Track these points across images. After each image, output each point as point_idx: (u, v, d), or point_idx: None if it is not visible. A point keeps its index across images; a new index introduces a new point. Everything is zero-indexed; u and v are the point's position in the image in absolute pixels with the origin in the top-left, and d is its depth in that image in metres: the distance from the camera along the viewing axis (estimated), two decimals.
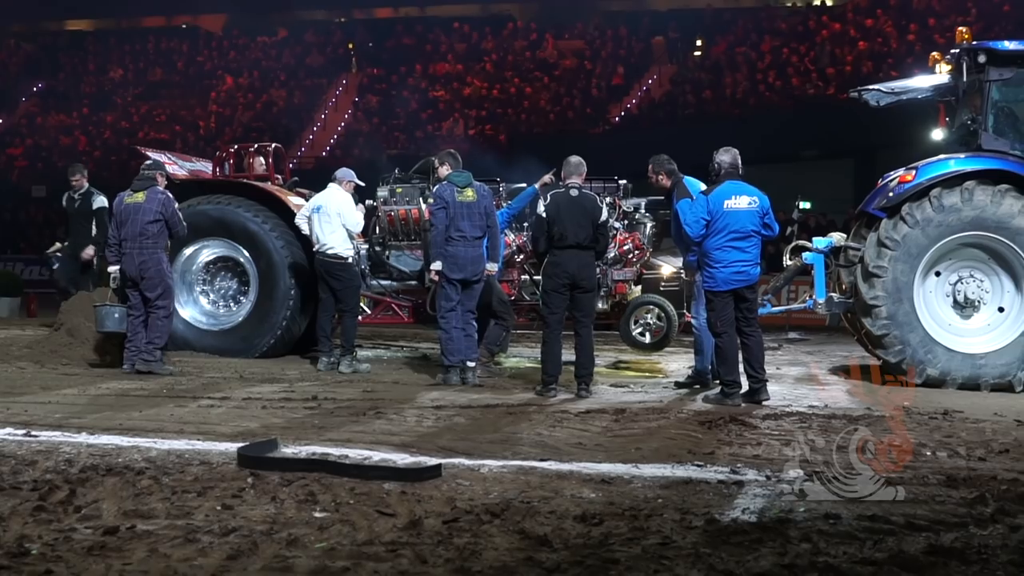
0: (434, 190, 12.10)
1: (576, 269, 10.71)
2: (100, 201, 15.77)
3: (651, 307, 14.81)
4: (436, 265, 11.64)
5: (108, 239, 12.57)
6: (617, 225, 14.30)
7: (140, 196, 12.18)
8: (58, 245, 16.76)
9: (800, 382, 12.35)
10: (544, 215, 10.78)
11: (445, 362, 11.65)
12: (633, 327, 14.93)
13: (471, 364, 11.65)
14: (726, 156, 10.49)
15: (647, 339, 14.96)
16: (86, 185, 16.07)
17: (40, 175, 41.57)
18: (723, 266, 10.20)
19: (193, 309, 14.24)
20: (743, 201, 10.22)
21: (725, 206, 10.19)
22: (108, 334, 12.64)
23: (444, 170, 12.09)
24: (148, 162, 13.15)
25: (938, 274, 11.87)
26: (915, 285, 11.61)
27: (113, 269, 12.39)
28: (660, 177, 11.51)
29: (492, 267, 11.97)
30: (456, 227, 11.51)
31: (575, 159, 11.13)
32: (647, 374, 13.05)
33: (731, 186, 10.31)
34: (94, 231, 15.74)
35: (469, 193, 11.64)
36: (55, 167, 40.67)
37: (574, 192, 10.86)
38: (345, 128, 42.84)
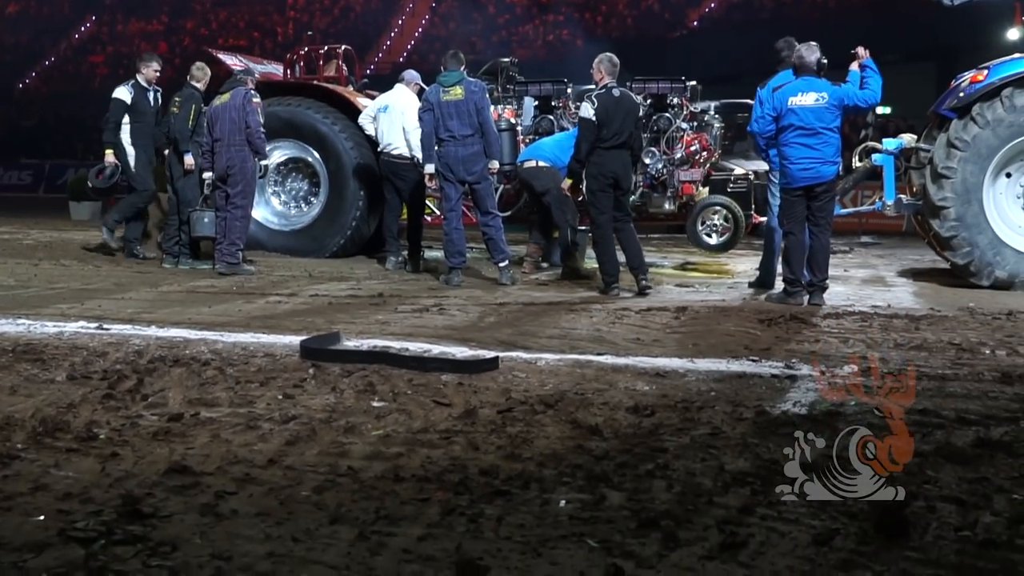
0: (424, 93, 12.07)
1: (620, 168, 10.70)
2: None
3: (718, 208, 14.74)
4: (429, 167, 11.70)
5: (203, 143, 12.66)
6: (684, 126, 14.21)
7: (227, 96, 12.38)
8: (112, 159, 13.53)
9: (866, 283, 12.32)
10: (594, 119, 10.62)
11: (448, 263, 11.73)
12: (700, 228, 14.86)
13: (503, 265, 11.62)
14: (804, 51, 10.32)
15: (714, 240, 14.89)
16: None
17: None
18: (790, 162, 10.10)
19: (265, 210, 14.40)
20: (809, 98, 10.06)
21: (790, 103, 10.06)
22: (199, 238, 12.82)
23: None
24: (240, 69, 13.23)
25: (1009, 175, 11.69)
26: (985, 186, 11.45)
27: (208, 175, 12.55)
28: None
29: (494, 164, 11.81)
30: (445, 127, 11.45)
31: (610, 57, 10.98)
32: (714, 275, 13.05)
33: (801, 83, 10.15)
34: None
35: (457, 91, 11.49)
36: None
37: (616, 92, 10.75)
38: (422, 34, 42.70)
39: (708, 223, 14.69)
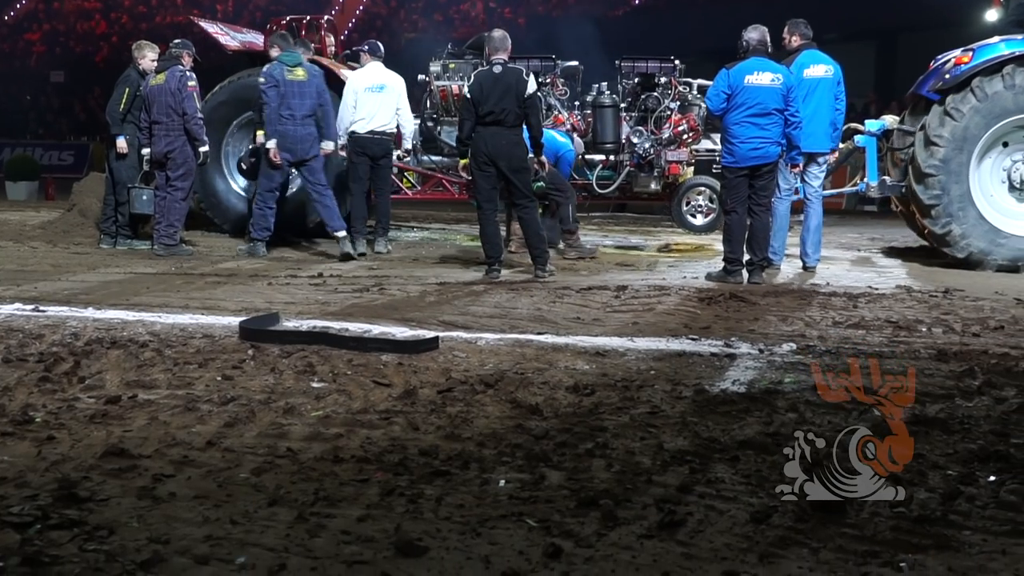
0: (264, 70, 12.11)
1: (493, 147, 10.29)
2: None
3: (703, 189, 14.81)
4: (271, 144, 11.85)
5: (140, 122, 12.53)
6: (672, 106, 14.32)
7: (162, 77, 12.21)
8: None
9: None
10: (469, 97, 10.43)
11: (252, 235, 12.12)
12: (684, 208, 14.95)
13: (340, 235, 11.93)
14: (754, 33, 10.30)
15: (698, 221, 14.99)
16: None
17: (58, 60, 41.47)
18: (740, 142, 10.09)
19: (246, 182, 14.07)
20: (765, 77, 10.07)
21: (746, 81, 10.05)
22: (138, 215, 12.72)
23: (275, 52, 12.25)
24: (176, 41, 13.08)
25: (1005, 144, 11.56)
26: (974, 157, 11.31)
27: (146, 152, 12.45)
28: (793, 38, 11.20)
29: (328, 145, 12.16)
30: (286, 105, 11.73)
31: (498, 33, 10.75)
32: (693, 255, 12.89)
33: (755, 62, 10.13)
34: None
35: (300, 72, 11.80)
36: (73, 52, 40.55)
37: (497, 69, 10.39)
38: (363, 11, 42.46)
39: (693, 204, 14.78)
